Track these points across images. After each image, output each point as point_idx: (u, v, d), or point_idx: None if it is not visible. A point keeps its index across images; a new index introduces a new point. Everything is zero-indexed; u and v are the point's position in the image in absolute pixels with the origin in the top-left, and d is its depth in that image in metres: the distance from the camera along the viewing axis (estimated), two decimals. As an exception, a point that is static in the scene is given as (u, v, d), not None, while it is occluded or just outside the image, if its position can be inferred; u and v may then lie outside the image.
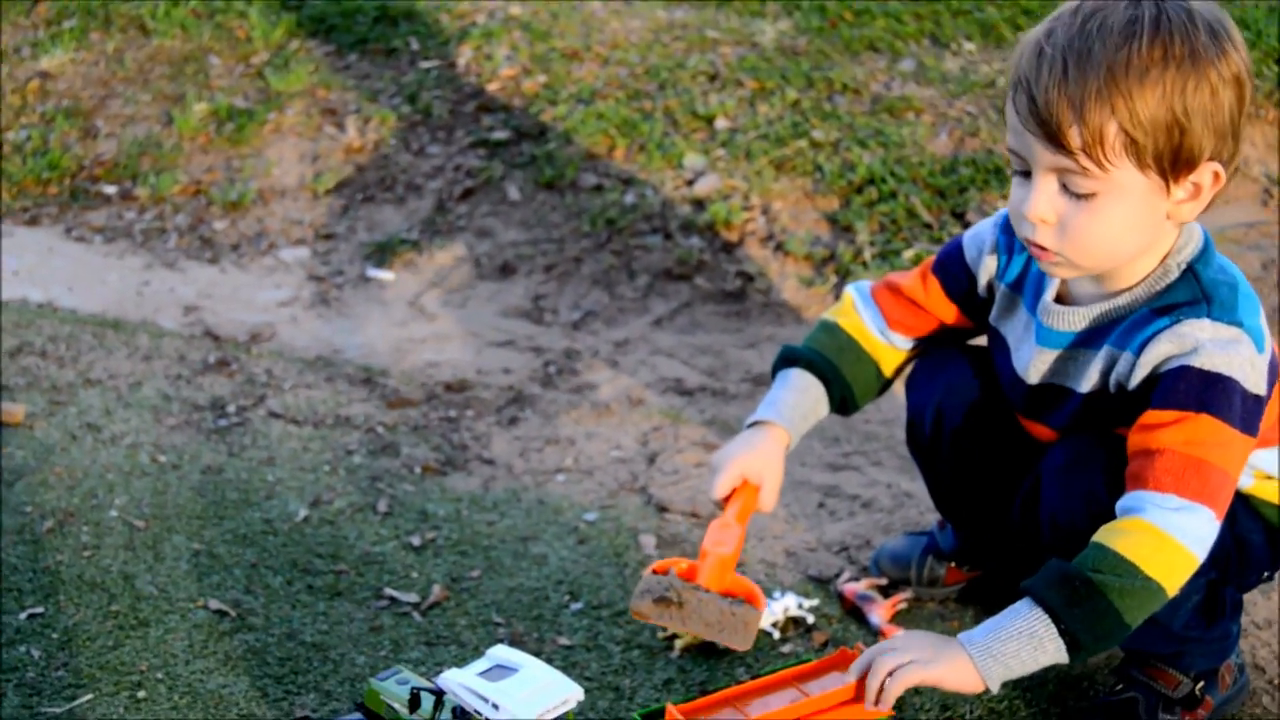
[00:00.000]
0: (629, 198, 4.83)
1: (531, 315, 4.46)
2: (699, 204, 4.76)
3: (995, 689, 2.39)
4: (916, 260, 4.42)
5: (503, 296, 4.56)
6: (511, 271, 4.67)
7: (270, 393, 4.06)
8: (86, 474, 3.65)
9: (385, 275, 4.71)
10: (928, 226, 4.54)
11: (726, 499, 2.72)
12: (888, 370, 2.89)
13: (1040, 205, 2.40)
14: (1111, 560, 2.36)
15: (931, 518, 3.38)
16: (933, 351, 2.89)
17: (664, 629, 3.04)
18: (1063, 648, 2.38)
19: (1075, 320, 2.56)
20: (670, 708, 2.39)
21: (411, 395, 4.03)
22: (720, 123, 5.05)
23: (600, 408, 3.95)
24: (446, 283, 4.65)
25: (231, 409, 3.97)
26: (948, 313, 2.82)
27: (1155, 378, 2.44)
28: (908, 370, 2.94)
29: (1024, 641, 2.38)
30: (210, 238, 4.98)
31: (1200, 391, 2.39)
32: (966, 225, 4.51)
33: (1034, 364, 2.63)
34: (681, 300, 4.47)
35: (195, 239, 4.98)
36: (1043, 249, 2.44)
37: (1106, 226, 2.39)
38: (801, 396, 2.82)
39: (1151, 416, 2.41)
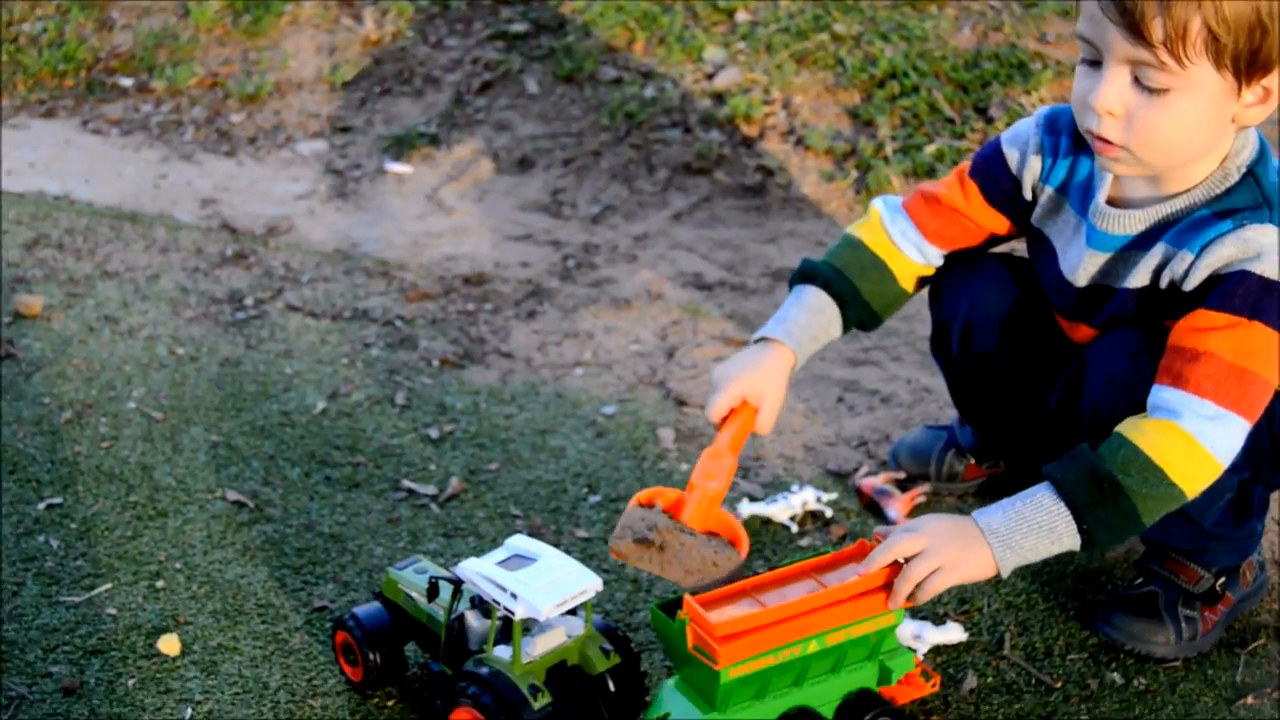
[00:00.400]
0: (648, 91, 4.78)
1: (550, 209, 4.43)
2: (719, 98, 4.71)
3: (1005, 575, 2.39)
4: (939, 156, 4.38)
5: (521, 190, 4.52)
6: (530, 165, 4.64)
7: (288, 285, 4.04)
8: (104, 366, 3.65)
9: (403, 169, 4.67)
10: (950, 121, 4.49)
11: (724, 419, 2.67)
12: (910, 286, 2.83)
13: (1109, 97, 2.36)
14: (1141, 463, 2.35)
15: (951, 413, 3.36)
16: (956, 263, 2.84)
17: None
18: (1078, 541, 2.39)
19: (1131, 223, 2.52)
20: (687, 598, 2.39)
21: (429, 288, 4.02)
22: (741, 15, 4.99)
23: (619, 302, 3.93)
24: (464, 176, 4.62)
25: (249, 301, 3.96)
26: (989, 219, 2.76)
27: (1214, 279, 2.41)
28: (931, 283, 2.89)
29: (1043, 535, 2.38)
30: (227, 130, 4.95)
31: (1257, 299, 2.37)
32: (989, 120, 4.46)
33: (1083, 266, 2.59)
34: (701, 194, 4.43)
35: (212, 132, 4.95)
36: (1106, 142, 2.40)
37: (1175, 124, 2.35)
38: (814, 317, 2.76)
39: (1203, 318, 2.39)
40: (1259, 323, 2.36)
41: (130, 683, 2.67)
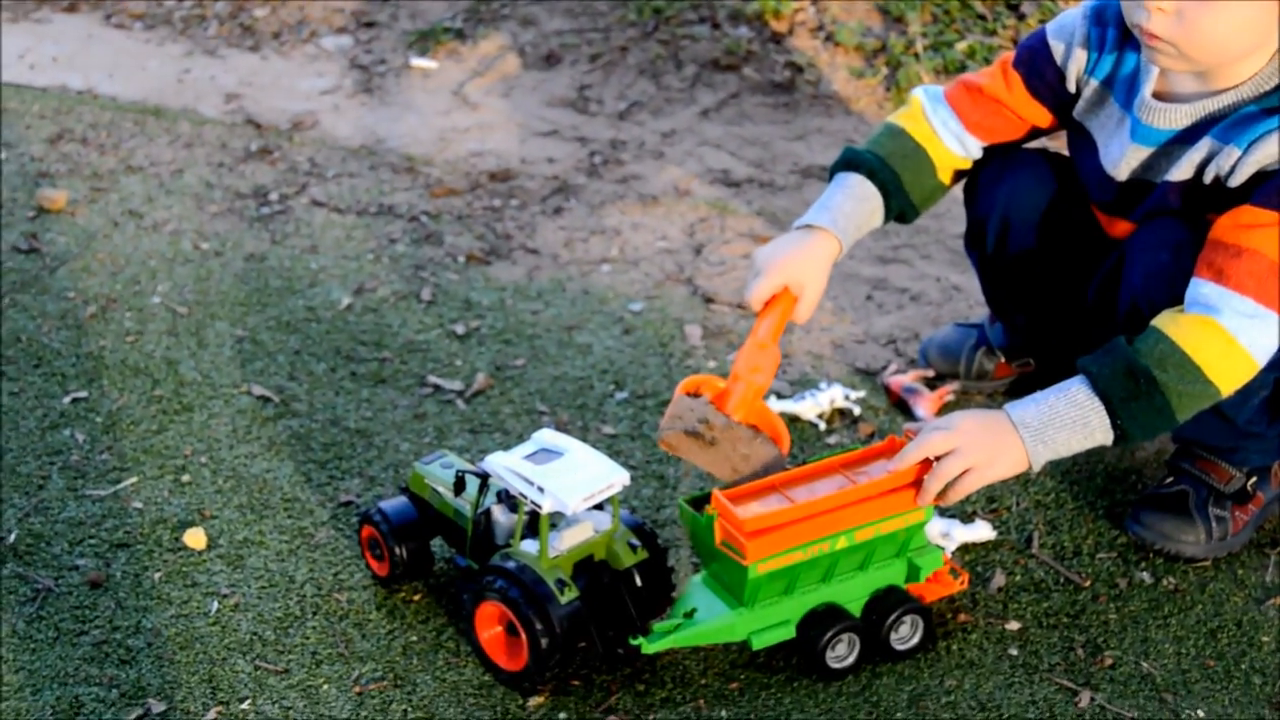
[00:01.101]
0: (676, -14, 4.72)
1: (576, 105, 4.39)
2: (748, -7, 4.65)
3: (1036, 470, 2.37)
4: (970, 53, 4.32)
5: (547, 86, 4.48)
6: (556, 61, 4.59)
7: (313, 181, 4.01)
8: (129, 260, 3.63)
9: (428, 64, 4.63)
10: (981, 18, 4.43)
11: (764, 306, 2.60)
12: (948, 179, 2.79)
13: None
14: (1178, 360, 2.32)
15: (980, 311, 3.33)
16: (993, 158, 2.79)
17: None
18: (1111, 437, 2.36)
19: (1178, 118, 2.48)
20: (716, 493, 2.37)
21: (455, 184, 3.98)
22: (771, -91, 4.91)
23: (646, 198, 3.90)
24: (490, 72, 4.57)
25: (274, 197, 3.93)
26: (1031, 111, 2.72)
27: (1260, 176, 2.37)
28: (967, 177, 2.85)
29: (1076, 430, 2.35)
30: (251, 25, 4.90)
31: None
32: (1021, 17, 4.40)
33: (1125, 160, 2.55)
34: (729, 91, 4.38)
35: (235, 26, 4.90)
36: (1154, 37, 2.36)
37: (1224, 20, 2.31)
38: (859, 205, 2.69)
39: (1247, 214, 2.35)
40: None
41: (156, 576, 2.67)
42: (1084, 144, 2.66)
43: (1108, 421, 2.34)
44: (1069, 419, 2.34)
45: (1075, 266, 2.74)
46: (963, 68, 4.30)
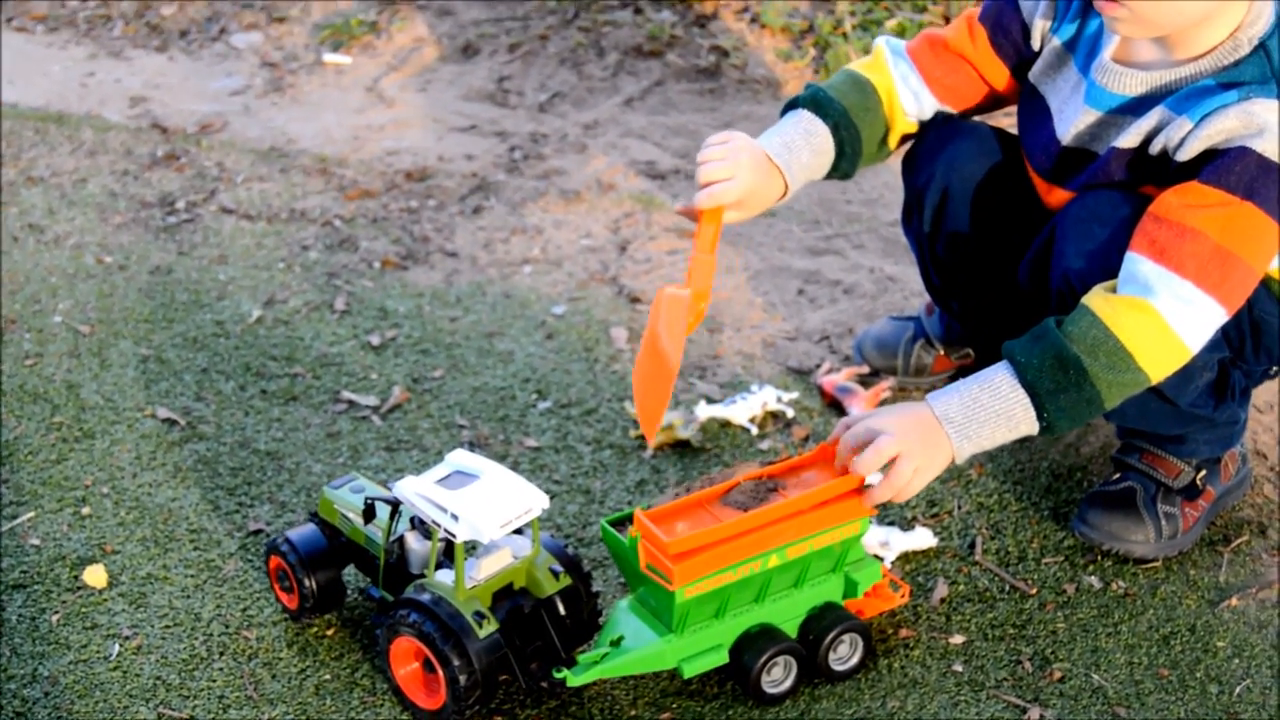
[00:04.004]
0: (596, -29, 4.58)
1: (496, 98, 4.24)
2: (670, -24, 4.52)
3: (960, 462, 2.27)
4: (900, 31, 4.20)
5: (465, 79, 4.33)
6: (474, 52, 4.44)
7: (222, 186, 3.85)
8: (29, 278, 3.47)
9: (341, 59, 4.47)
10: (911, -6, 4.31)
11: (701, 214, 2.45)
12: (895, 144, 2.67)
13: None
14: (1111, 347, 2.21)
15: (916, 303, 3.21)
16: (935, 127, 2.67)
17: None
18: (1036, 427, 2.25)
19: (1133, 84, 2.38)
20: (638, 513, 2.24)
21: (370, 185, 3.83)
22: (691, -112, 4.77)
23: (569, 194, 3.76)
24: (406, 66, 4.42)
25: (181, 205, 3.77)
26: (992, 69, 2.60)
27: (1210, 153, 2.27)
28: (905, 148, 2.73)
29: (1001, 423, 2.24)
30: (157, 24, 4.73)
31: (1254, 178, 2.23)
32: (952, -8, 4.28)
33: (1074, 124, 2.45)
34: (653, 78, 4.25)
35: (142, 26, 4.73)
36: (1109, 1, 2.27)
37: None
38: (814, 159, 2.55)
39: (1194, 191, 2.25)
40: (1252, 204, 2.23)
41: (54, 618, 2.53)
42: (1035, 109, 2.56)
43: (1033, 414, 2.24)
44: (993, 412, 2.23)
45: (1014, 245, 2.62)
46: (892, 47, 4.18)
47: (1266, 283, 2.39)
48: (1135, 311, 2.23)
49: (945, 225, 2.70)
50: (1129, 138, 2.38)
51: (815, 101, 2.58)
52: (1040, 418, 2.24)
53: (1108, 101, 2.42)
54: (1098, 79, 2.43)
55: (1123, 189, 2.40)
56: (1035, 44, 2.56)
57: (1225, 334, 2.39)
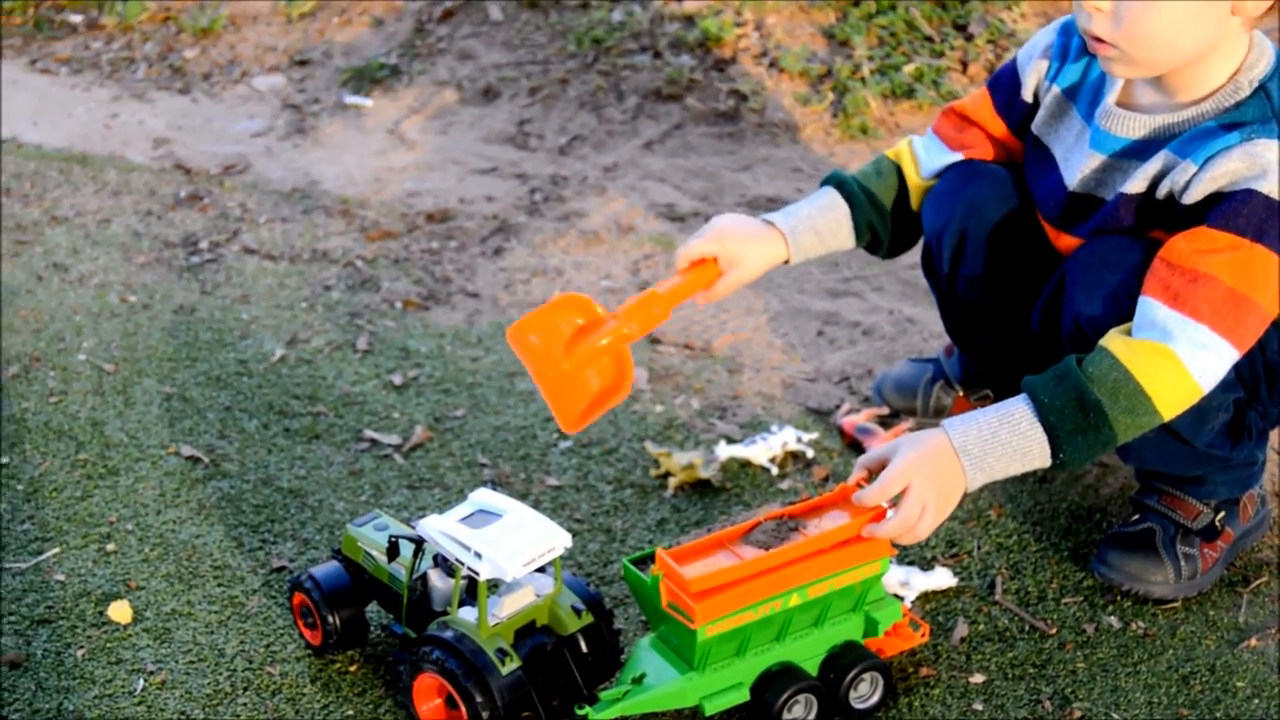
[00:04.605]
0: (616, 15, 4.62)
1: (516, 140, 4.27)
2: (689, 20, 4.55)
3: (971, 490, 2.28)
4: (918, 76, 4.24)
5: (486, 122, 4.36)
6: (495, 95, 4.48)
7: (244, 227, 3.89)
8: (53, 316, 3.50)
9: (363, 102, 4.51)
10: (929, 40, 4.34)
11: (690, 266, 2.57)
12: (915, 202, 2.74)
13: None
14: (1131, 390, 2.23)
15: (935, 345, 3.23)
16: (954, 169, 2.71)
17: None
18: (1049, 463, 2.27)
19: (1136, 126, 2.41)
20: (660, 553, 2.26)
21: (392, 227, 3.86)
22: (710, -66, 4.82)
23: (589, 236, 3.79)
24: (427, 108, 4.46)
25: (204, 245, 3.80)
26: (995, 126, 2.68)
27: (1218, 195, 2.29)
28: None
29: (1016, 457, 2.26)
30: (180, 66, 4.78)
31: (1262, 219, 2.25)
32: (969, 38, 4.31)
33: (1081, 171, 2.48)
34: (672, 122, 4.28)
35: (165, 68, 4.78)
36: (1099, 40, 2.31)
37: (1161, 17, 2.25)
38: (822, 213, 2.65)
39: (1204, 236, 2.27)
40: (1262, 246, 2.24)
41: (79, 653, 2.54)
42: (1040, 158, 2.59)
43: (1049, 450, 2.26)
44: (1010, 447, 2.25)
45: (1029, 286, 2.64)
46: (911, 91, 4.21)
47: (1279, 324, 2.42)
48: (1155, 356, 2.25)
49: (963, 267, 2.72)
50: (1135, 183, 2.40)
51: (825, 180, 2.73)
52: (1054, 455, 2.26)
53: (1111, 145, 2.44)
54: (1101, 124, 2.45)
55: (1131, 234, 2.42)
56: (1028, 97, 2.61)
57: (1240, 375, 2.40)
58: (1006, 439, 2.26)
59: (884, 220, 2.71)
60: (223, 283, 3.64)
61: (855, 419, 2.99)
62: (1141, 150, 2.40)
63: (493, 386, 3.21)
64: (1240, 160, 2.26)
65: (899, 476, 2.26)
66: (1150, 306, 2.28)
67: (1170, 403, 2.26)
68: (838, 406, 3.09)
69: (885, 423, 3.01)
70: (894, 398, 3.04)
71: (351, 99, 4.53)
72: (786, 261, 2.64)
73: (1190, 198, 2.31)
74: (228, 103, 4.59)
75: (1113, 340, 2.28)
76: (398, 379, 3.24)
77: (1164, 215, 2.36)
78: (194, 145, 4.33)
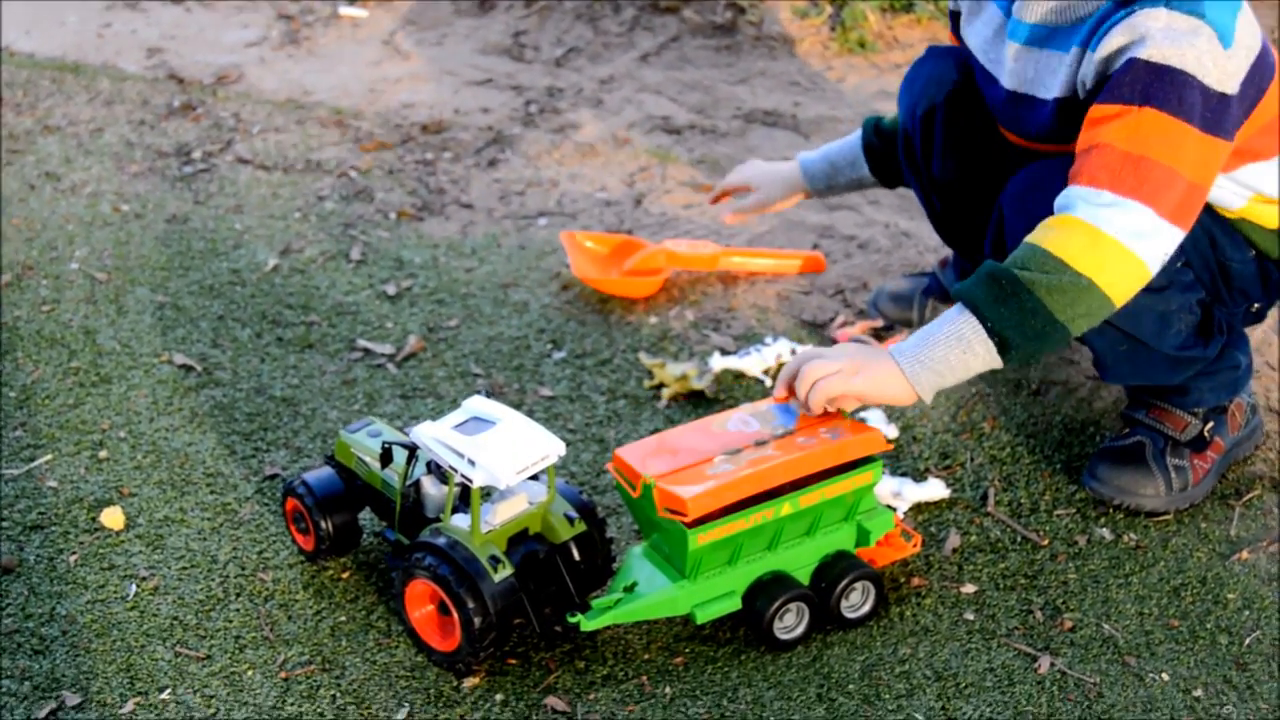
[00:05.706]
0: (613, -74, 4.58)
1: (511, 52, 4.24)
2: (687, -68, 4.51)
3: (928, 399, 2.26)
4: (916, -11, 4.20)
5: (481, 33, 4.33)
6: (490, 6, 4.44)
7: (238, 137, 3.86)
8: (45, 225, 3.48)
9: (357, 12, 4.48)
10: (928, -48, 4.30)
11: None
12: None
13: None
14: (1039, 257, 2.21)
15: (931, 259, 3.22)
16: (919, 57, 2.77)
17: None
18: (992, 349, 2.23)
19: (1038, 10, 2.40)
20: (617, 453, 2.29)
21: (386, 137, 3.84)
22: None
23: (584, 148, 3.76)
24: (422, 19, 4.42)
25: (197, 155, 3.78)
26: (957, 40, 2.71)
27: (1107, 76, 2.28)
28: None
29: (951, 345, 2.24)
30: (174, -24, 4.73)
31: (1146, 84, 2.22)
32: (969, -50, 4.27)
33: (1008, 65, 2.47)
34: (669, 34, 4.25)
35: (158, -23, 4.74)
36: None
37: None
38: (839, 146, 2.94)
39: (1095, 111, 2.26)
40: (1150, 108, 2.22)
41: (71, 559, 2.54)
42: (978, 66, 2.60)
43: (982, 330, 2.23)
44: (942, 335, 2.24)
45: (1001, 171, 2.62)
46: (909, 5, 4.18)
47: (1235, 224, 2.42)
48: (1059, 224, 2.24)
49: (935, 140, 2.71)
50: (1057, 88, 2.40)
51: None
52: (991, 336, 2.22)
53: (1023, 33, 2.43)
54: (1014, 12, 2.45)
55: (1059, 153, 2.40)
56: (952, 4, 2.66)
57: (1199, 278, 2.42)
58: (936, 330, 2.26)
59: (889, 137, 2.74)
60: (216, 193, 3.62)
61: (850, 331, 2.99)
62: (1049, 38, 2.39)
63: (487, 297, 3.20)
64: (1121, 34, 2.26)
65: (819, 366, 2.28)
66: (1059, 196, 2.27)
67: (1091, 263, 2.20)
68: (832, 319, 3.09)
69: (880, 335, 3.01)
70: (889, 309, 3.03)
71: (346, 9, 4.49)
72: (806, 193, 2.96)
73: (1091, 83, 2.32)
74: (221, 12, 4.55)
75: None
76: (391, 289, 3.23)
77: (1084, 113, 2.34)
78: (187, 55, 4.30)
